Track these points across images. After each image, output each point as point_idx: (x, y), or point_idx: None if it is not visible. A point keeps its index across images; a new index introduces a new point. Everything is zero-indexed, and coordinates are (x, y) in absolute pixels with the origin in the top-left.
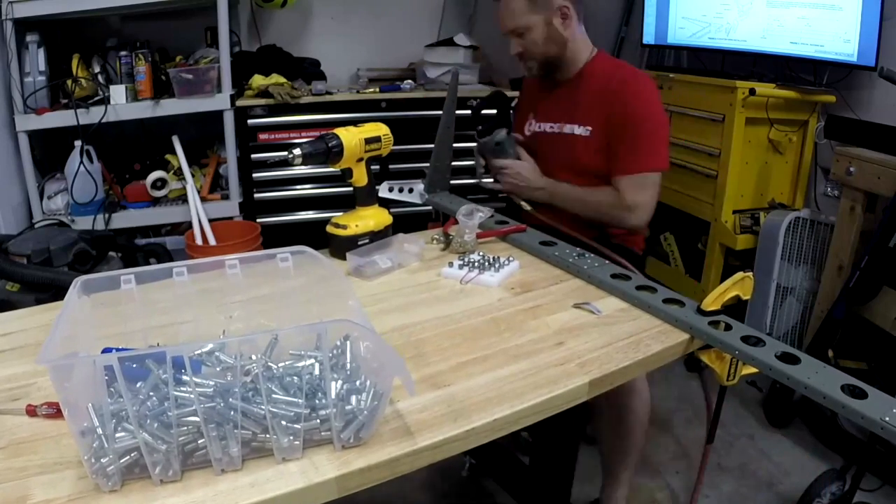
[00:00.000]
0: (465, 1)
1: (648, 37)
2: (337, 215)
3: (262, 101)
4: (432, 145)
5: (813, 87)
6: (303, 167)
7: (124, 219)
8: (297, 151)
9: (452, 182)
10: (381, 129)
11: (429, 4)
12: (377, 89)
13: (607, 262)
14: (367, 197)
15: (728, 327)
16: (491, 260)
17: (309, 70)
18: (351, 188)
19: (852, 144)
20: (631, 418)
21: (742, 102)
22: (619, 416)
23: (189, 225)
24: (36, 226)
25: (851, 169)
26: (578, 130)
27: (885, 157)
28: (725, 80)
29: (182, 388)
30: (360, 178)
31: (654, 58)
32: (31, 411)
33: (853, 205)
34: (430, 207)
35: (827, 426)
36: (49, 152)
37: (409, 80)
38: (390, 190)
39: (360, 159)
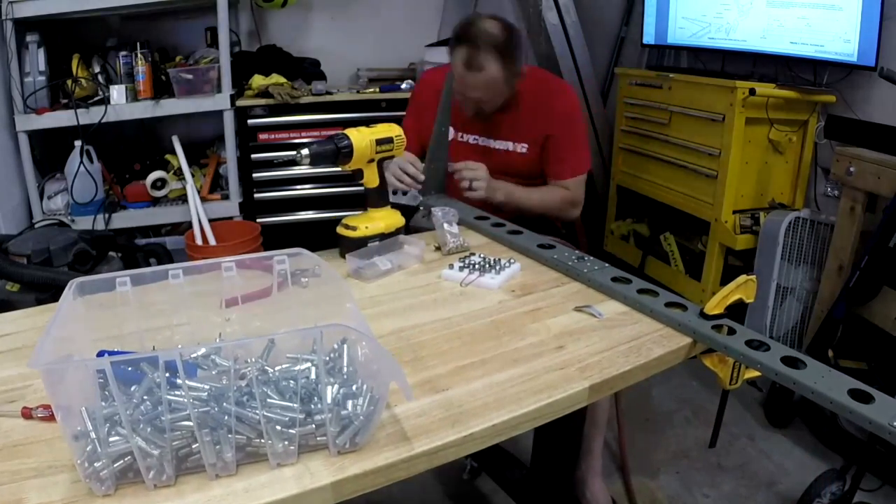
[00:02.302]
0: (465, 1)
1: (648, 37)
2: (349, 215)
3: (262, 101)
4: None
5: (813, 87)
6: (303, 167)
7: (124, 219)
8: (304, 151)
9: None
10: (394, 130)
11: (429, 4)
12: (377, 89)
13: (607, 265)
14: (378, 199)
15: (731, 331)
16: (492, 262)
17: (309, 70)
18: (351, 188)
19: (852, 144)
20: (597, 412)
21: (742, 102)
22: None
23: (189, 225)
24: (36, 226)
25: (851, 169)
26: (515, 147)
27: (885, 157)
28: (725, 80)
29: (176, 392)
30: (372, 179)
31: (654, 58)
32: (27, 414)
33: (853, 205)
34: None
35: (827, 426)
36: (49, 152)
37: (409, 80)
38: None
39: (371, 160)
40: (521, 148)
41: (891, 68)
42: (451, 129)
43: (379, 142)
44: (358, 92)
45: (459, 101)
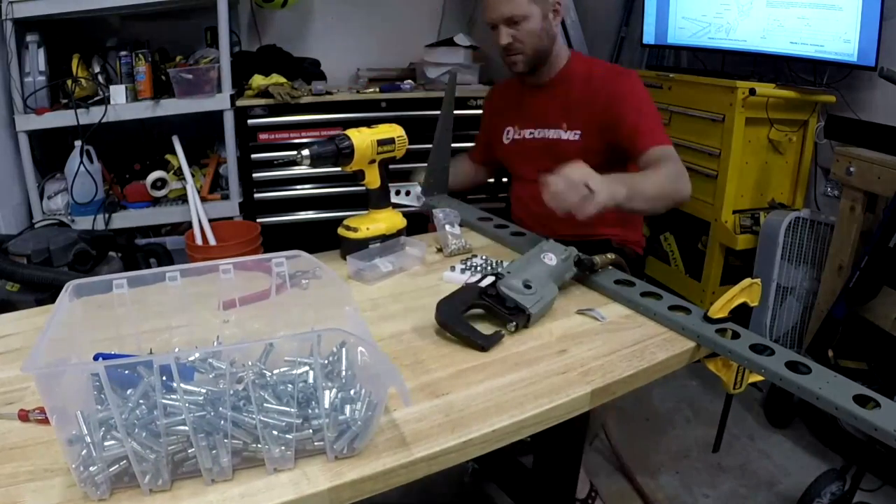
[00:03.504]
0: (465, 1)
1: (648, 37)
2: (350, 216)
3: (262, 101)
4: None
5: (813, 87)
6: (303, 167)
7: (124, 219)
8: (305, 152)
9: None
10: (396, 131)
11: (429, 4)
12: (377, 89)
13: (610, 266)
14: (379, 200)
15: (736, 335)
16: (493, 264)
17: (309, 70)
18: (352, 188)
19: (852, 144)
20: None
21: (742, 102)
22: None
23: (189, 225)
24: (36, 226)
25: (851, 169)
26: (566, 135)
27: (885, 157)
28: (725, 80)
29: (172, 396)
30: (373, 180)
31: (654, 58)
32: (24, 416)
33: (853, 205)
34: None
35: (827, 426)
36: (49, 152)
37: (409, 80)
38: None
39: (373, 161)
40: (573, 135)
41: (891, 68)
42: (511, 128)
43: (380, 142)
44: (358, 92)
45: (501, 58)
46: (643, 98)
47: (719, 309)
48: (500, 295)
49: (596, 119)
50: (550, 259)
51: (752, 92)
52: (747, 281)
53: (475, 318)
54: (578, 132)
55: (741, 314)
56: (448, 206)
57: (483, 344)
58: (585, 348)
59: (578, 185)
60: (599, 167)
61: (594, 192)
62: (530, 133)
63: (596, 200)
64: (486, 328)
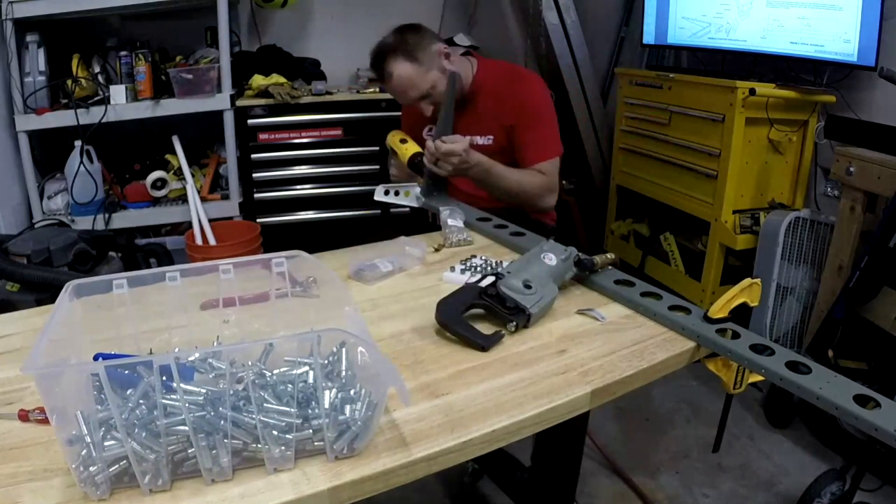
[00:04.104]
0: (465, 1)
1: (648, 37)
2: (343, 218)
3: (262, 101)
4: None
5: (813, 87)
6: (302, 167)
7: (124, 219)
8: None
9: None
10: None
11: (429, 4)
12: (377, 89)
13: (610, 267)
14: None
15: (736, 335)
16: (493, 264)
17: (309, 70)
18: (352, 188)
19: (852, 144)
20: None
21: (742, 102)
22: None
23: (189, 225)
24: (36, 226)
25: (851, 169)
26: (480, 140)
27: (885, 157)
28: (725, 80)
29: (171, 396)
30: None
31: (654, 58)
32: (24, 416)
33: (853, 205)
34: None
35: (827, 426)
36: (49, 152)
37: None
38: (386, 193)
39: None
40: (486, 140)
41: (891, 68)
42: (434, 127)
43: None
44: (358, 92)
45: (422, 112)
46: (538, 108)
47: (719, 309)
48: (500, 295)
49: (502, 124)
50: (550, 259)
51: (752, 92)
52: (747, 281)
53: (476, 318)
54: (491, 137)
55: (741, 314)
56: (449, 206)
57: (483, 344)
58: (585, 348)
59: (453, 154)
60: (512, 164)
61: (468, 159)
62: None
63: (468, 158)
64: (486, 328)
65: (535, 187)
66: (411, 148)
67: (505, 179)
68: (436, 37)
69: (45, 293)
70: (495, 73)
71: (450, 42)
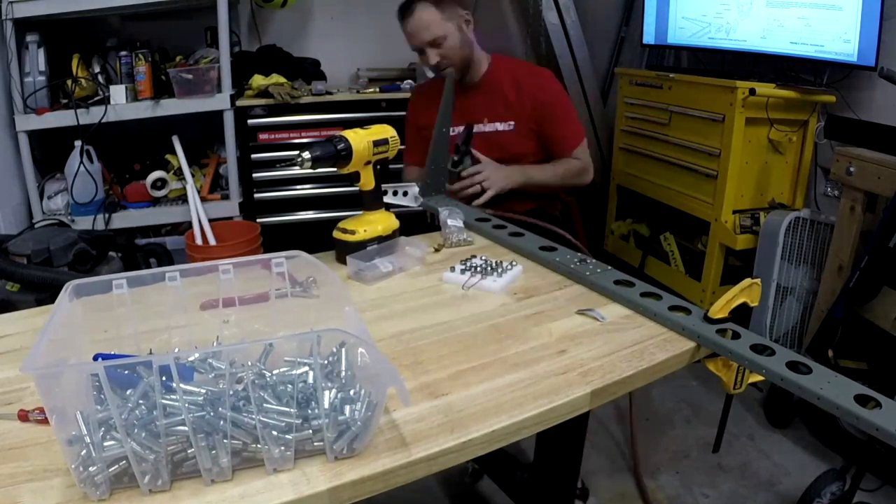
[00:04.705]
0: (465, 1)
1: (648, 37)
2: (343, 218)
3: (262, 101)
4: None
5: (813, 87)
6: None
7: (124, 219)
8: (306, 155)
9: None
10: (389, 132)
11: None
12: (377, 89)
13: (610, 267)
14: (373, 201)
15: (736, 335)
16: (493, 265)
17: (309, 70)
18: (352, 189)
19: (852, 144)
20: None
21: (742, 102)
22: None
23: (189, 225)
24: (36, 226)
25: (851, 169)
26: (501, 127)
27: (885, 157)
28: (725, 80)
29: (171, 397)
30: (368, 181)
31: (654, 58)
32: (23, 416)
33: (853, 205)
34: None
35: (827, 426)
36: (49, 152)
37: (409, 80)
38: (384, 193)
39: (368, 162)
40: (508, 126)
41: (891, 68)
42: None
43: (376, 143)
44: (358, 92)
45: (433, 73)
46: (562, 102)
47: (719, 309)
48: None
49: (525, 115)
50: None
51: (752, 92)
52: (747, 281)
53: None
54: (512, 123)
55: (741, 314)
56: (448, 206)
57: None
58: (585, 349)
59: (472, 184)
60: (535, 149)
61: (486, 188)
62: (456, 130)
63: (486, 194)
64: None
65: (574, 173)
66: None
67: (545, 177)
68: (466, 2)
69: (45, 293)
70: (510, 66)
71: None
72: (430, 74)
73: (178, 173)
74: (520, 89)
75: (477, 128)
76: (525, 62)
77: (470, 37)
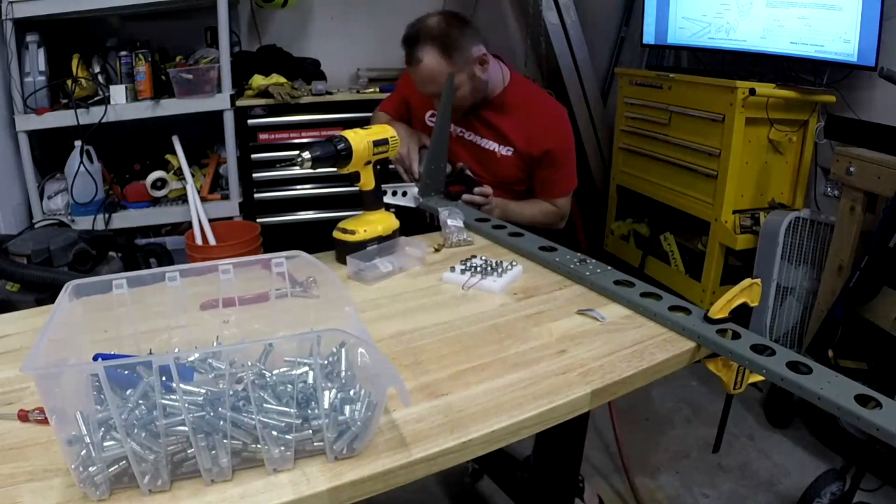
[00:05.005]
0: (465, 1)
1: (648, 37)
2: (343, 218)
3: (262, 101)
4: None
5: (813, 87)
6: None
7: (124, 219)
8: (306, 155)
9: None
10: (389, 132)
11: (429, 4)
12: (377, 89)
13: (609, 267)
14: (373, 201)
15: (736, 335)
16: (493, 265)
17: (309, 70)
18: (352, 188)
19: (852, 144)
20: None
21: (742, 102)
22: None
23: (189, 225)
24: (36, 226)
25: (851, 169)
26: (501, 150)
27: (885, 157)
28: (725, 80)
29: (171, 397)
30: (368, 181)
31: (654, 58)
32: (23, 416)
33: (853, 205)
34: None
35: (827, 426)
36: (49, 152)
37: None
38: (384, 193)
39: (368, 162)
40: (506, 151)
41: (891, 68)
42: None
43: (376, 143)
44: (358, 92)
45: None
46: (564, 151)
47: (720, 309)
48: None
49: (526, 151)
50: None
51: (752, 92)
52: (747, 281)
53: None
54: (511, 149)
55: (741, 314)
56: (448, 206)
57: None
58: (585, 349)
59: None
60: (522, 180)
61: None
62: (461, 131)
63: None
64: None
65: (547, 219)
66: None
67: (519, 217)
68: (479, 38)
69: (45, 293)
70: (526, 91)
71: None
72: None
73: (178, 173)
74: (527, 117)
75: (480, 141)
76: (544, 94)
77: (484, 78)
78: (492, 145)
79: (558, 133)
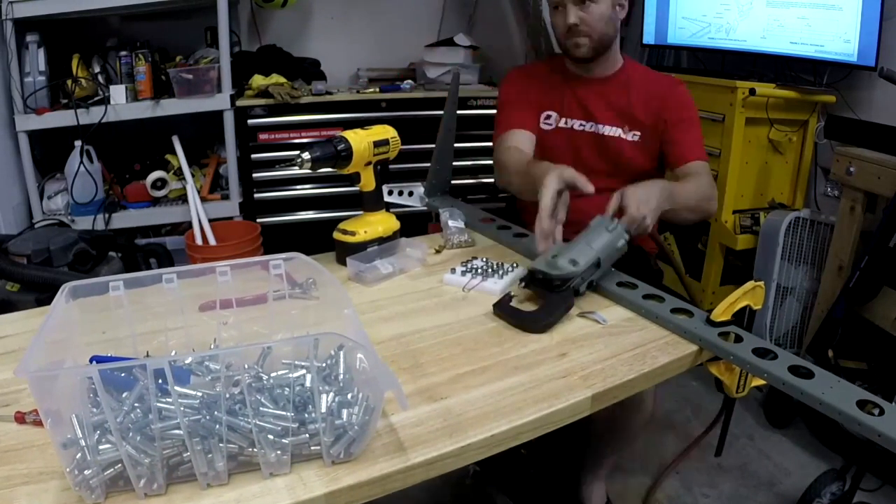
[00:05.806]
0: (465, 1)
1: (648, 37)
2: (343, 218)
3: (262, 101)
4: (433, 146)
5: (813, 87)
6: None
7: (124, 219)
8: (305, 156)
9: (452, 183)
10: (389, 132)
11: (429, 4)
12: (377, 89)
13: (612, 269)
14: (374, 202)
15: (739, 339)
16: (494, 266)
17: (309, 70)
18: (352, 189)
19: (852, 144)
20: (628, 433)
21: (742, 102)
22: (615, 426)
23: (189, 225)
24: (36, 226)
25: (851, 169)
26: (626, 136)
27: (885, 157)
28: (725, 80)
29: (167, 400)
30: (368, 182)
31: (654, 58)
32: (20, 418)
33: (853, 205)
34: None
35: (827, 426)
36: (49, 152)
37: (409, 80)
38: (389, 193)
39: (369, 163)
40: (633, 136)
41: (891, 68)
42: (553, 114)
43: (376, 144)
44: (358, 92)
45: (559, 41)
46: (693, 111)
47: (722, 312)
48: (546, 277)
49: (651, 122)
50: (599, 234)
51: (752, 92)
52: (750, 284)
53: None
54: (638, 133)
55: (742, 315)
56: (450, 207)
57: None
58: (586, 352)
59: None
60: (652, 168)
61: (648, 222)
62: (580, 125)
63: (643, 225)
64: None
65: (708, 189)
66: None
67: (685, 197)
68: None
69: (45, 293)
70: (641, 69)
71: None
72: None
73: (178, 173)
74: (649, 95)
75: (585, 125)
76: (657, 73)
77: (618, 20)
78: (615, 131)
79: (685, 96)
